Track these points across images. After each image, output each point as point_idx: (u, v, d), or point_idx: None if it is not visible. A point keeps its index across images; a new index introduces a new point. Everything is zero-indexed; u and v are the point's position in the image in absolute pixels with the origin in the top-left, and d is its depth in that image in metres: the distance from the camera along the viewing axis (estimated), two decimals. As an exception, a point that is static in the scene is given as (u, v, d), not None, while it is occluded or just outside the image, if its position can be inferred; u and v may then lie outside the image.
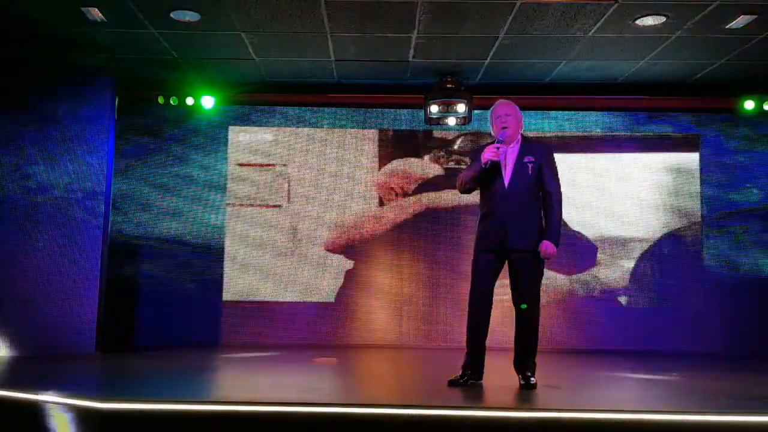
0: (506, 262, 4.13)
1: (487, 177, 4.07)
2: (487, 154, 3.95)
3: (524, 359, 4.09)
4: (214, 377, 5.01)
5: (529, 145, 4.16)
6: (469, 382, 4.06)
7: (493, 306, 4.14)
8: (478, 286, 4.11)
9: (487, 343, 4.15)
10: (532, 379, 4.03)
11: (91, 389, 4.20)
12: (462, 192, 4.25)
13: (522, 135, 4.19)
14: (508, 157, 4.10)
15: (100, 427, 3.25)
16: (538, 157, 4.07)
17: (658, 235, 6.89)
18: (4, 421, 3.52)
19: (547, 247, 3.99)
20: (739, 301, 6.74)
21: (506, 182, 4.04)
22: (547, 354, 6.35)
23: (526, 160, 4.05)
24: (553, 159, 4.16)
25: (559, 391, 4.15)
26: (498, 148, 3.97)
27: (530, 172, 4.04)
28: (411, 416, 3.23)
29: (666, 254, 6.86)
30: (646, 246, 6.88)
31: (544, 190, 4.07)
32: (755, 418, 3.22)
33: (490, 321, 4.14)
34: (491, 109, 4.22)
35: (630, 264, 6.86)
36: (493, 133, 4.21)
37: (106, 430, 3.25)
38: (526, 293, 4.08)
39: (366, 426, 3.22)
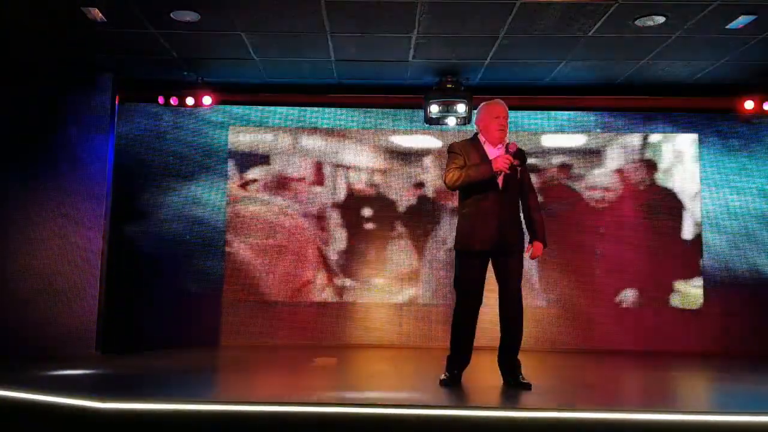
0: (490, 261, 4.14)
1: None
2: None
3: (516, 358, 4.11)
4: (214, 377, 5.01)
5: (510, 149, 4.21)
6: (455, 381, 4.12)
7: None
8: (472, 288, 4.10)
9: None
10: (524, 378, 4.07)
11: (91, 389, 4.20)
12: (451, 189, 4.23)
13: None
14: None
15: (100, 427, 3.25)
16: (521, 162, 4.19)
17: (657, 235, 6.89)
18: (4, 421, 3.52)
19: (538, 249, 4.16)
20: (739, 301, 6.74)
21: (500, 183, 4.08)
22: (547, 354, 6.37)
23: (514, 163, 4.07)
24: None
25: (558, 391, 4.16)
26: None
27: (518, 175, 4.14)
28: (410, 416, 3.23)
29: (665, 255, 6.85)
30: (645, 246, 6.87)
31: (526, 193, 4.22)
32: (755, 418, 3.23)
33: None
34: (486, 104, 4.24)
35: (629, 264, 6.85)
36: (478, 128, 4.25)
37: (106, 430, 3.25)
38: (518, 291, 4.10)
39: (365, 426, 3.22)
